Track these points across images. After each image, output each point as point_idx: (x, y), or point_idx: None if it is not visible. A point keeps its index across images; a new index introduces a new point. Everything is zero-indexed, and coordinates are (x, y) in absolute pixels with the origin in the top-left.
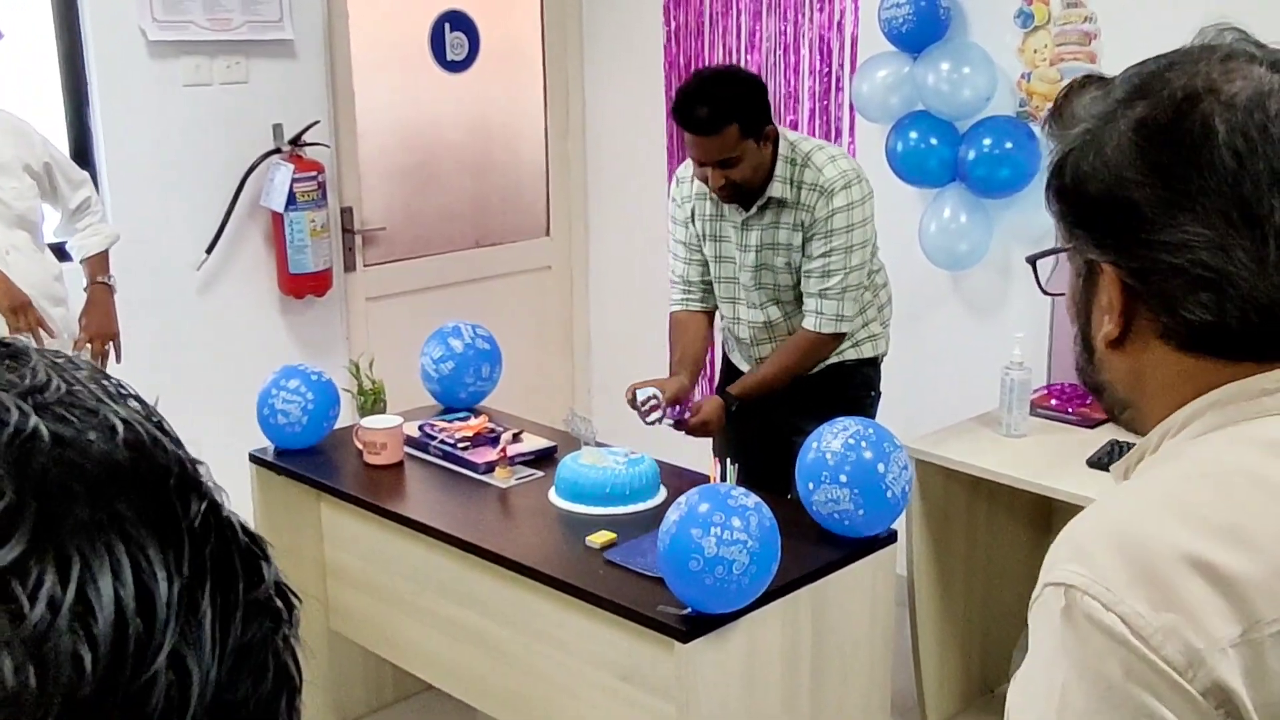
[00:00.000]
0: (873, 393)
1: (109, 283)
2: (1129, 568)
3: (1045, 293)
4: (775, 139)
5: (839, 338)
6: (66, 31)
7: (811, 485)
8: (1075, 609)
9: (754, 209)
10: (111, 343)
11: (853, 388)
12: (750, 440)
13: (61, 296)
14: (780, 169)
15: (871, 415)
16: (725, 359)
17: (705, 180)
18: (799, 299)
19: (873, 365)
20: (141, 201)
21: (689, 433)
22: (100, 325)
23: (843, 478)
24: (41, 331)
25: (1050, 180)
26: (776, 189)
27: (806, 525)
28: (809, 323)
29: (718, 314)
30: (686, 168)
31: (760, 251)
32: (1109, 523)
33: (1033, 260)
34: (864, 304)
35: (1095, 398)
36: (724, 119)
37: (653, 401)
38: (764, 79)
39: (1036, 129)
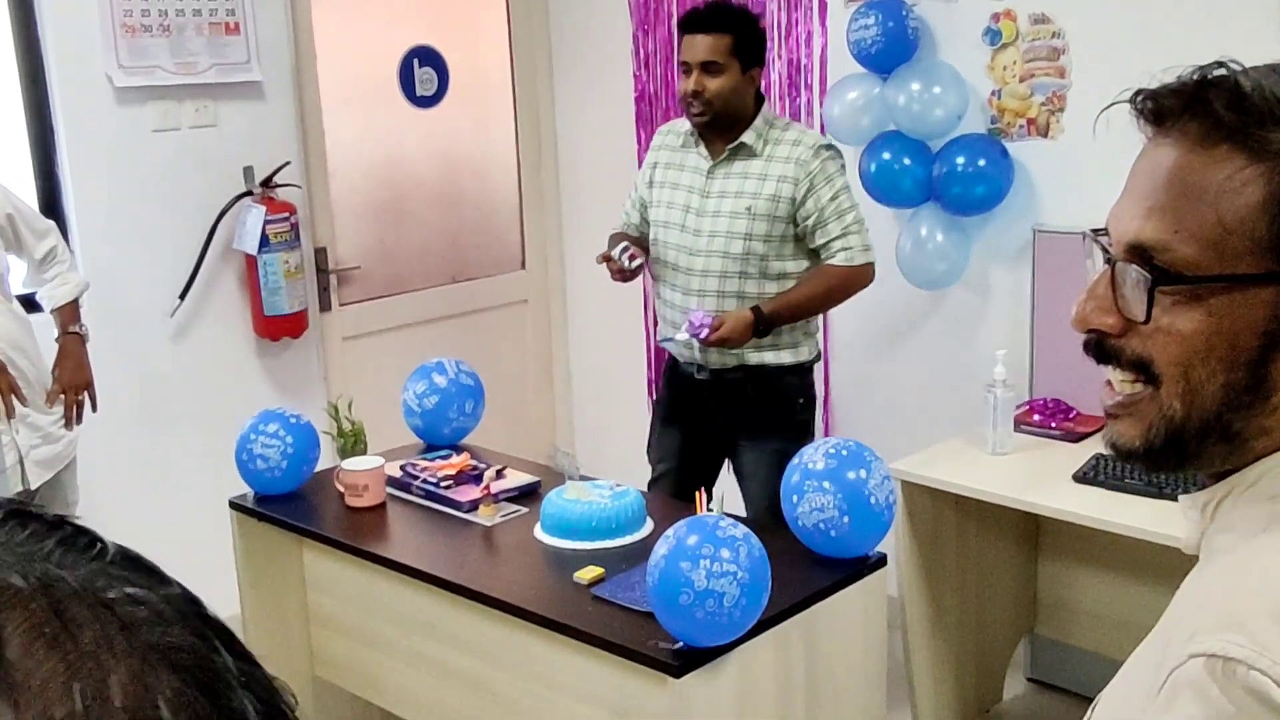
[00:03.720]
0: (801, 399)
1: (81, 332)
2: None
3: (1148, 320)
4: (759, 95)
5: (869, 271)
6: (31, 80)
7: (796, 498)
8: (1236, 683)
9: (724, 154)
10: (86, 392)
11: (781, 393)
12: (686, 453)
13: (31, 348)
14: (758, 123)
15: (806, 422)
16: (669, 359)
17: (686, 95)
18: (746, 252)
19: (798, 372)
20: (113, 249)
21: (706, 344)
22: (74, 375)
23: (826, 484)
24: (14, 397)
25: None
26: (749, 136)
27: (796, 553)
28: (840, 259)
29: (654, 286)
30: (668, 125)
31: (722, 199)
32: (1258, 586)
33: (1152, 288)
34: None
35: (1220, 441)
36: (723, 25)
37: (630, 250)
38: None
39: (1009, 145)
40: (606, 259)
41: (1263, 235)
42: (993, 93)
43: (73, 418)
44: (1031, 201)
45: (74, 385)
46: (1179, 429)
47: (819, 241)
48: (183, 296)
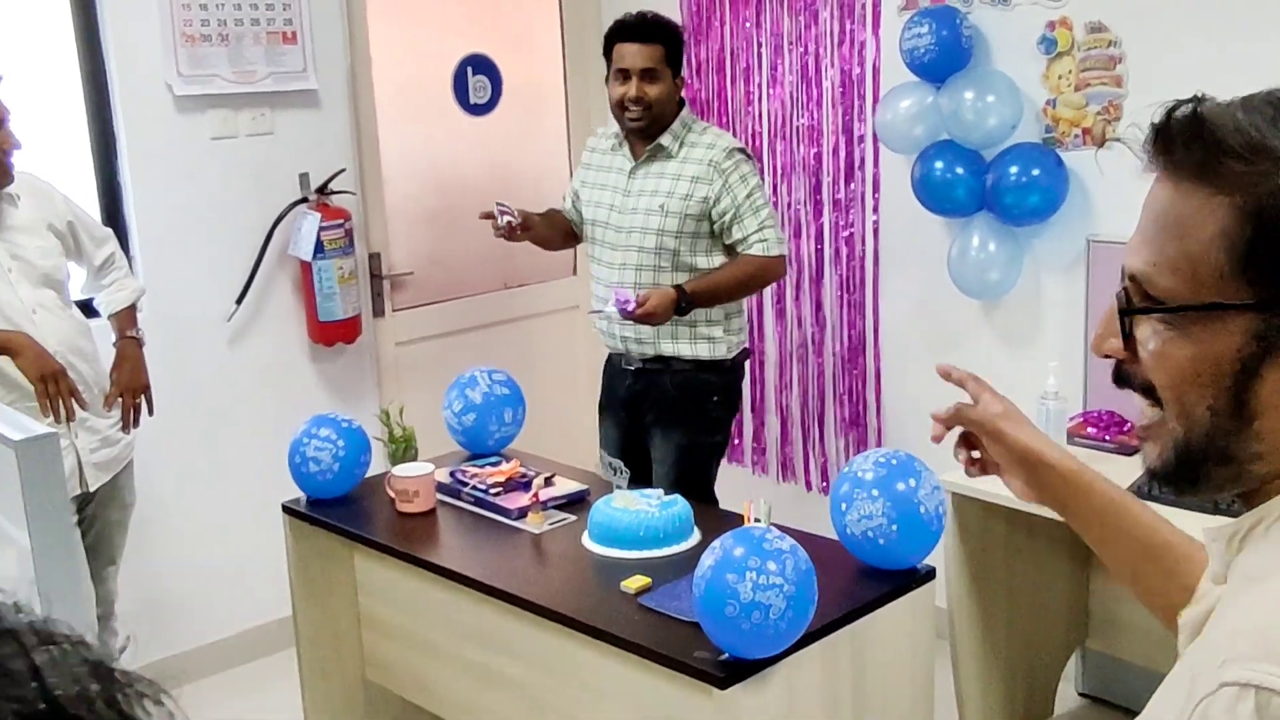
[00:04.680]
0: (716, 397)
1: (137, 336)
2: None
3: (1126, 349)
4: (682, 102)
5: (783, 263)
6: (94, 89)
7: (845, 506)
8: (1269, 714)
9: (643, 155)
10: (143, 396)
11: (696, 389)
12: (624, 442)
13: (90, 352)
14: (675, 126)
15: (719, 419)
16: (608, 358)
17: (621, 104)
18: (659, 247)
19: (717, 370)
20: (171, 254)
21: (630, 319)
22: (131, 379)
23: (875, 492)
24: (73, 401)
25: (1246, 236)
26: (666, 139)
27: (843, 565)
28: (758, 249)
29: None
30: (602, 129)
31: (640, 197)
32: None
33: (1135, 312)
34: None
35: (1215, 464)
36: (656, 35)
37: (503, 206)
38: (786, 113)
39: (1064, 155)
40: (487, 216)
41: (1224, 265)
42: (1047, 102)
43: (130, 421)
44: (1086, 212)
45: (131, 389)
46: (1184, 451)
47: (735, 236)
48: (239, 301)
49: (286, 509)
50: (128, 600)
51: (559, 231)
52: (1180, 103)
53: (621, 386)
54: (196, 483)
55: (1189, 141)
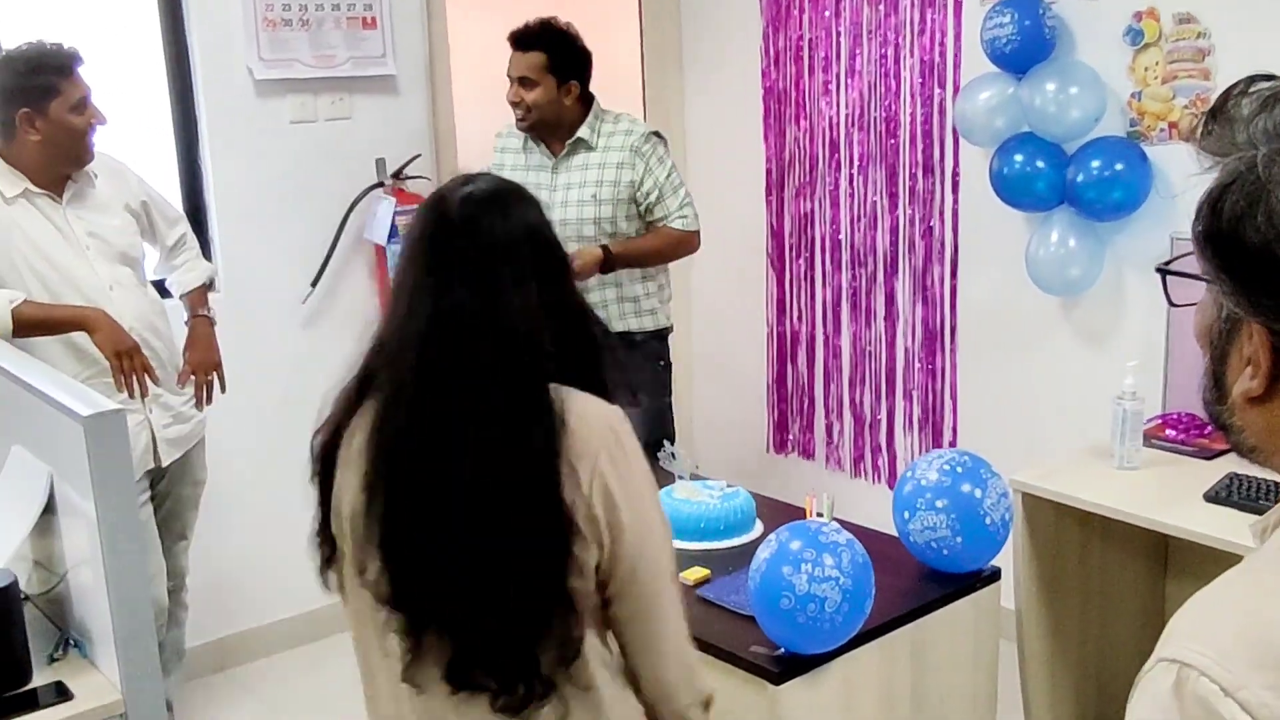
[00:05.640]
0: (661, 362)
1: (209, 315)
2: (1256, 651)
3: (1172, 304)
4: (587, 97)
5: (698, 238)
6: (178, 74)
7: (907, 514)
8: (1186, 689)
9: (564, 150)
10: (215, 373)
11: (644, 356)
12: None
13: (165, 330)
14: (590, 120)
15: (666, 382)
16: None
17: (510, 103)
18: (598, 233)
19: (659, 338)
20: (249, 236)
21: None
22: (204, 357)
23: (939, 503)
24: (147, 377)
25: (1202, 214)
26: (585, 132)
27: (906, 563)
28: (679, 224)
29: None
30: (507, 129)
31: (569, 190)
32: (1239, 600)
33: (1164, 272)
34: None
35: (1218, 430)
36: (536, 45)
37: None
38: (865, 103)
39: (1148, 149)
40: None
41: (1199, 242)
42: (1133, 94)
43: (203, 398)
44: (1171, 208)
45: (204, 366)
46: (1204, 406)
47: (658, 214)
48: (314, 284)
49: None
50: (198, 575)
51: None
52: (1233, 86)
53: None
54: (267, 462)
55: (1208, 123)
